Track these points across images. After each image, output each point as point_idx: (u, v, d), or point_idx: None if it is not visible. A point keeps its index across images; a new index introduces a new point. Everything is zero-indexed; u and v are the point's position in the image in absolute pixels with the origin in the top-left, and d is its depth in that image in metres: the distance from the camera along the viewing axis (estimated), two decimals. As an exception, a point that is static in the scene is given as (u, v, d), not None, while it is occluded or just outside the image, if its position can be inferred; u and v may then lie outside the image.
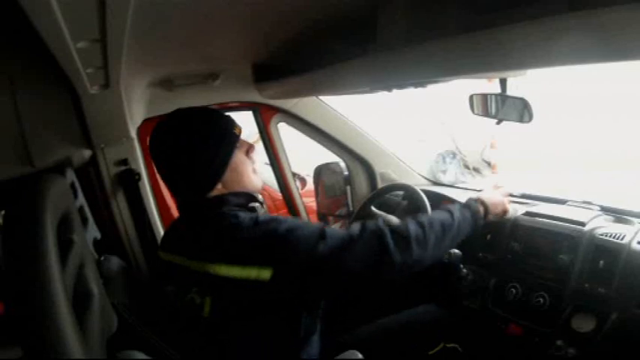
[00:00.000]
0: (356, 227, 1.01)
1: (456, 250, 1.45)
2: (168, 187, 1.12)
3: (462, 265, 1.47)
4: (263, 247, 0.94)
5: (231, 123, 1.08)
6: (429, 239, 1.04)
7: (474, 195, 1.27)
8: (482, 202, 1.24)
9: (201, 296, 0.99)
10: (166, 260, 1.10)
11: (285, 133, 2.06)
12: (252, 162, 1.11)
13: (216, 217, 1.01)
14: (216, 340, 0.99)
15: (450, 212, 1.14)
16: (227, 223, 0.98)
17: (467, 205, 1.20)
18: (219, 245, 0.97)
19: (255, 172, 1.11)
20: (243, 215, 1.00)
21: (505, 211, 1.34)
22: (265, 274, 0.92)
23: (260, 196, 1.14)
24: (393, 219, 1.66)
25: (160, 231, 1.67)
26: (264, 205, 1.12)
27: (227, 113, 1.12)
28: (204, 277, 0.97)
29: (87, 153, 1.42)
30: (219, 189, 1.05)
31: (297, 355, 1.03)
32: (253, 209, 1.06)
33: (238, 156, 1.07)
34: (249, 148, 1.10)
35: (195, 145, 1.02)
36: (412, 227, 1.04)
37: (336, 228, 1.02)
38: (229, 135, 1.06)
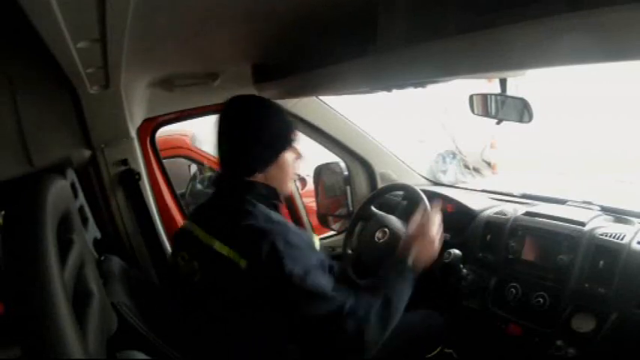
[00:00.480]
0: (339, 297, 0.97)
1: (456, 251, 1.45)
2: (219, 157, 1.17)
3: (462, 266, 1.47)
4: (251, 242, 0.99)
5: (293, 127, 1.17)
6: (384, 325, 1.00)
7: (397, 263, 1.10)
8: (415, 267, 1.09)
9: (199, 264, 1.08)
10: (188, 230, 1.16)
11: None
12: (294, 168, 1.18)
13: (238, 199, 1.08)
14: (206, 308, 1.06)
15: (389, 298, 1.02)
16: (242, 208, 1.05)
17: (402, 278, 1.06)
18: (225, 224, 1.06)
19: (291, 178, 1.19)
20: (261, 207, 1.06)
21: (435, 254, 1.15)
22: (242, 262, 0.99)
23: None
24: (393, 219, 1.66)
25: (161, 230, 1.67)
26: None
27: None
28: (205, 248, 1.06)
29: (87, 153, 1.42)
30: (257, 176, 1.11)
31: (284, 343, 1.05)
32: (276, 206, 1.12)
33: (288, 156, 1.14)
34: (298, 157, 1.18)
35: (259, 128, 1.10)
36: (373, 327, 0.97)
37: (324, 279, 0.98)
38: (288, 136, 1.15)
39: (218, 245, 1.03)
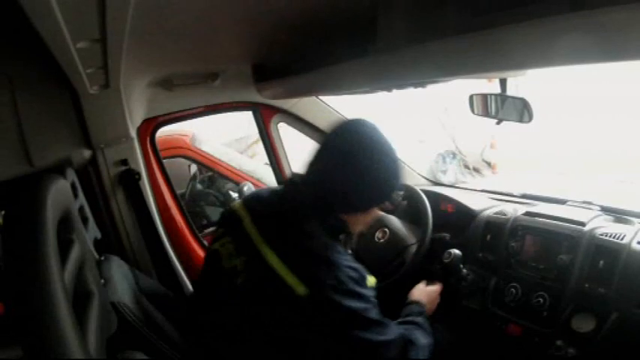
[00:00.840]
0: (396, 326, 1.04)
1: (457, 251, 1.45)
2: (309, 168, 1.09)
3: (462, 266, 1.47)
4: (314, 270, 0.95)
5: (398, 187, 1.11)
6: None
7: (417, 304, 1.26)
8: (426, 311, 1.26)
9: (243, 267, 1.01)
10: (237, 215, 1.09)
11: (285, 133, 2.06)
12: (373, 220, 1.18)
13: (304, 217, 1.02)
14: (243, 309, 1.00)
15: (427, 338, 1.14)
16: (305, 228, 1.00)
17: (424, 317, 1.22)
18: (286, 239, 1.00)
19: (366, 227, 1.18)
20: (323, 232, 1.01)
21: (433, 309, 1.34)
22: (301, 289, 0.93)
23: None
24: (393, 219, 1.66)
25: (161, 230, 1.67)
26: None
27: None
28: (255, 254, 0.99)
29: (87, 153, 1.42)
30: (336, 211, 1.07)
31: None
32: (337, 238, 1.08)
33: (376, 210, 1.13)
34: (383, 209, 1.18)
35: (373, 180, 1.04)
36: None
37: (378, 314, 1.00)
38: (391, 195, 1.10)
39: (275, 262, 0.96)
